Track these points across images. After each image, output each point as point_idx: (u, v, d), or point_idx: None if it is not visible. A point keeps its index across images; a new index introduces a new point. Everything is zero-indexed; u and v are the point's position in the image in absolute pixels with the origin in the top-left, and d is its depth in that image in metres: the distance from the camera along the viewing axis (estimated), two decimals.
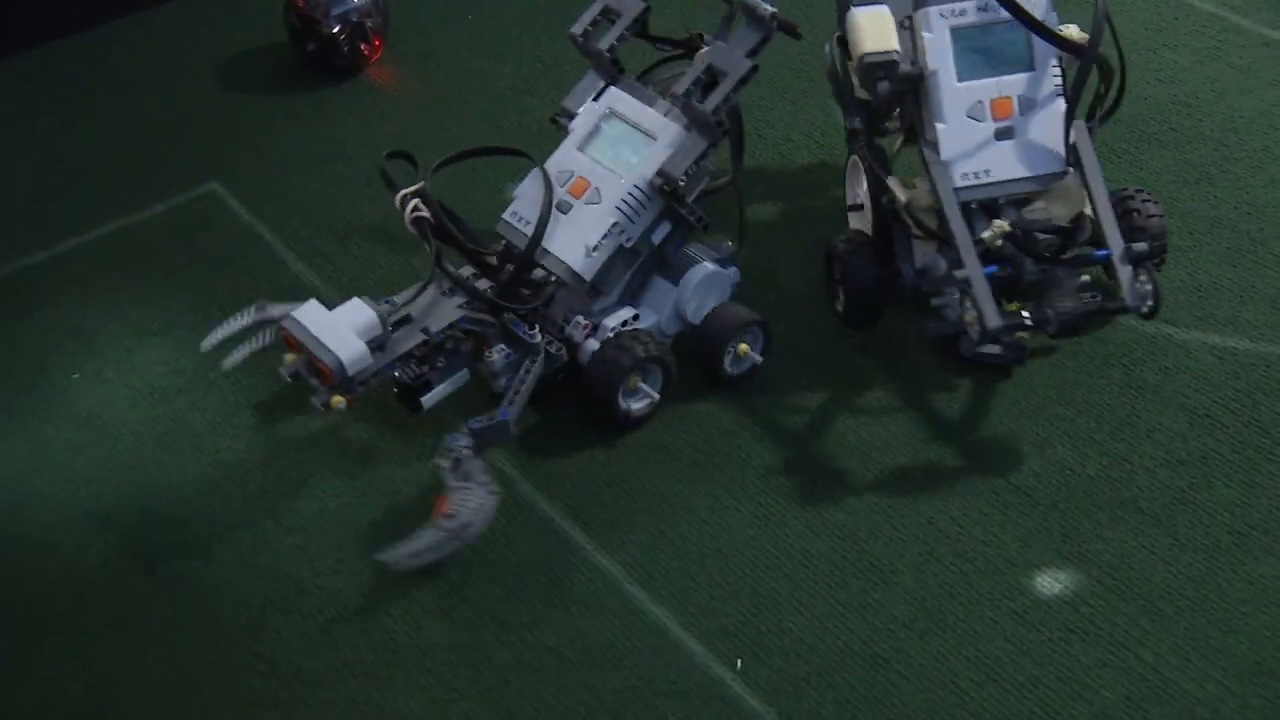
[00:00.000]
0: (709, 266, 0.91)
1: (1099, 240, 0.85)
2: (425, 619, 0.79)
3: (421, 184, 0.84)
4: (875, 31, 0.86)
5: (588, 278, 0.88)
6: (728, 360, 0.91)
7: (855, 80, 0.90)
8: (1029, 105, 0.86)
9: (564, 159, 0.90)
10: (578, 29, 0.91)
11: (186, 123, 1.11)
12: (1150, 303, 0.84)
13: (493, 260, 0.88)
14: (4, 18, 1.12)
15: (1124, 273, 0.84)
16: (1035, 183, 0.87)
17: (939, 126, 0.86)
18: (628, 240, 0.88)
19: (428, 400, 0.86)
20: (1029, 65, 0.87)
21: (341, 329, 0.82)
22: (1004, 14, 0.85)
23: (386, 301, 0.85)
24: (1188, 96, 1.05)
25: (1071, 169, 0.87)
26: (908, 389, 0.90)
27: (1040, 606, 0.78)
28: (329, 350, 0.81)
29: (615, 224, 0.87)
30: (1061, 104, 0.87)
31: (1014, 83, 0.86)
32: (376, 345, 0.83)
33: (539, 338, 0.87)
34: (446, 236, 0.85)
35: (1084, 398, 0.89)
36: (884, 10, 0.87)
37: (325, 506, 0.85)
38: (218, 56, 1.16)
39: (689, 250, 0.92)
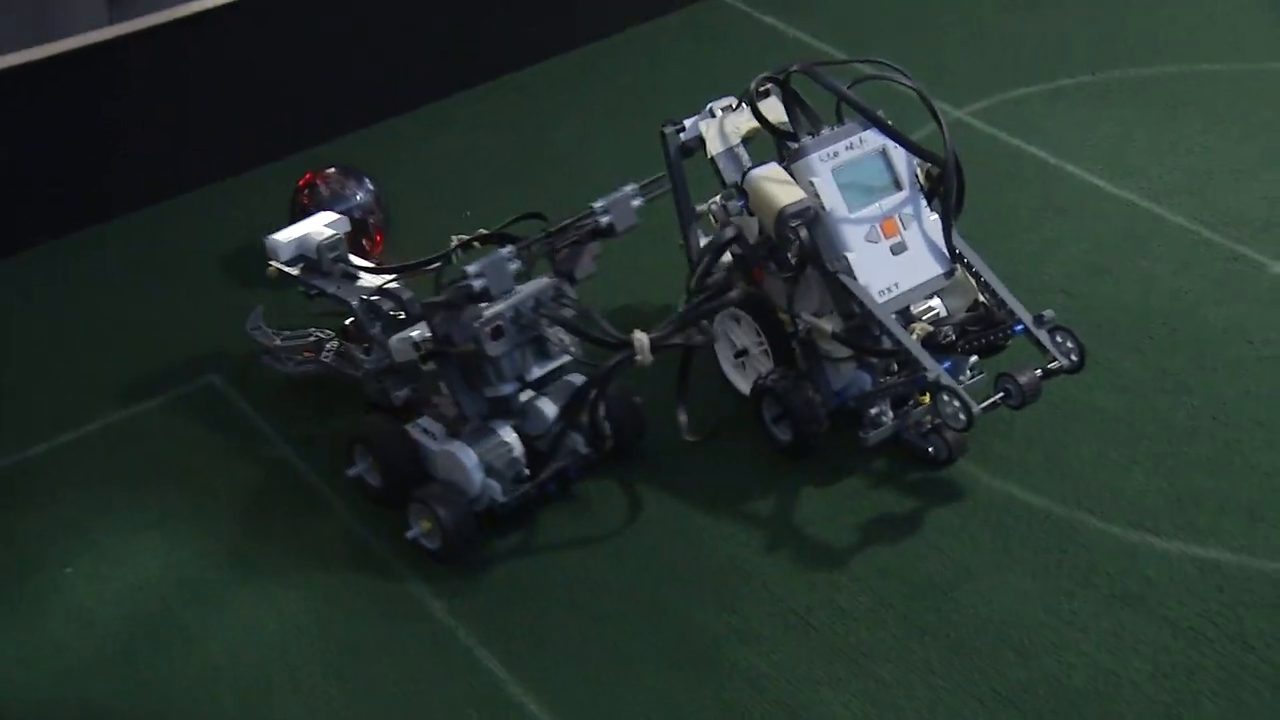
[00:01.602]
0: None
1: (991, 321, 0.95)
2: None
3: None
4: (783, 186, 0.93)
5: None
6: None
7: (761, 234, 0.95)
8: (909, 219, 0.96)
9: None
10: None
11: (189, 316, 1.13)
12: (1075, 356, 0.94)
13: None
14: (10, 213, 1.15)
15: (1044, 337, 0.94)
16: (936, 282, 0.97)
17: (850, 255, 0.93)
18: None
19: None
20: (897, 186, 0.97)
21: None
22: (865, 148, 0.95)
23: None
24: (1164, 307, 1.09)
25: (957, 265, 0.97)
26: (881, 561, 0.91)
27: None
28: None
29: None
30: (929, 212, 0.96)
31: (891, 203, 0.96)
32: None
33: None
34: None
35: (1068, 607, 0.90)
36: (777, 166, 0.95)
37: (317, 707, 0.85)
38: (223, 249, 1.18)
39: None
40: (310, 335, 1.03)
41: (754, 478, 0.99)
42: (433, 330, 0.93)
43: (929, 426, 0.97)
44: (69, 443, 1.02)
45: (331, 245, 1.04)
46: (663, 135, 1.00)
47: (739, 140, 1.01)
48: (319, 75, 1.28)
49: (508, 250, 0.94)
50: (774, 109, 1.00)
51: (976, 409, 0.90)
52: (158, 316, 1.12)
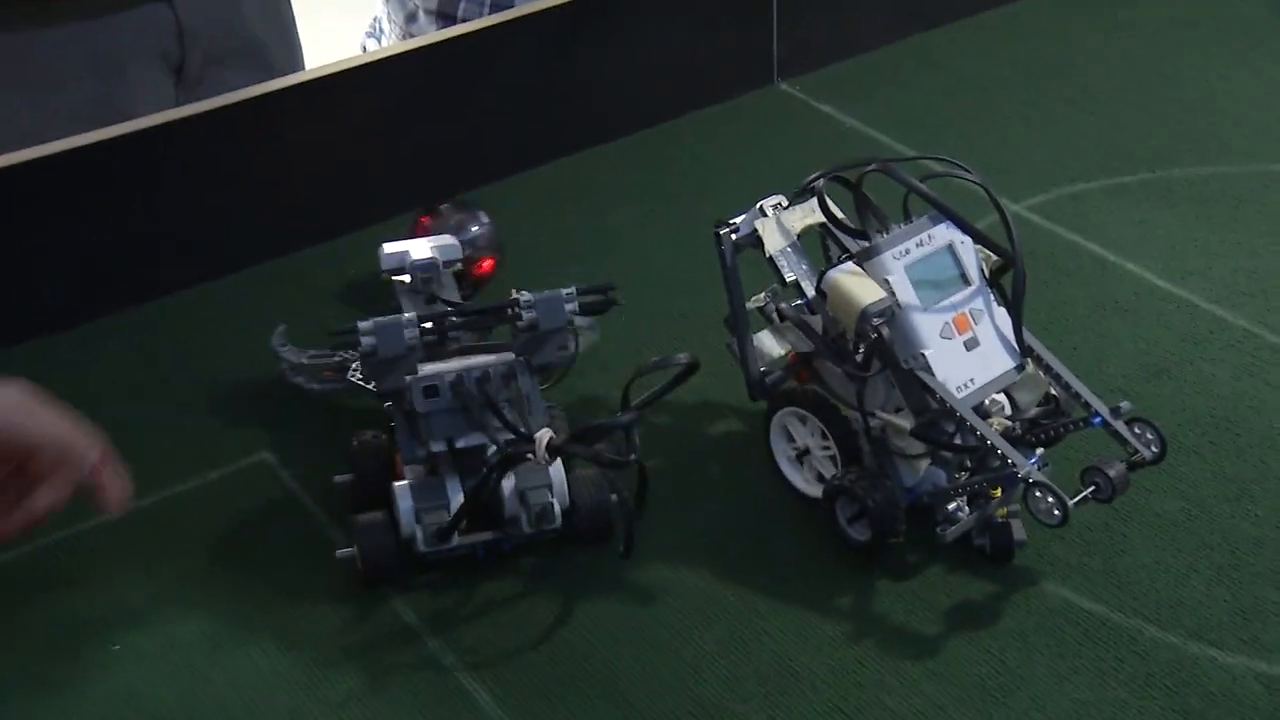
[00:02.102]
0: None
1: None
2: None
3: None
4: (864, 284, 0.92)
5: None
6: None
7: (826, 333, 0.95)
8: (979, 314, 0.95)
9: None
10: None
11: (241, 392, 1.13)
12: (1156, 448, 0.93)
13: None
14: (72, 289, 1.16)
15: (1122, 428, 0.93)
16: (1008, 377, 0.95)
17: (927, 352, 0.92)
18: None
19: None
20: (966, 281, 0.95)
21: None
22: (934, 244, 0.94)
23: None
24: (1226, 411, 1.07)
25: (1027, 359, 0.95)
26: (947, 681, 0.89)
27: None
28: None
29: None
30: (997, 306, 0.95)
31: (962, 299, 0.94)
32: None
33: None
34: None
35: (1124, 719, 0.87)
36: (854, 265, 0.93)
37: None
38: (275, 327, 1.19)
39: None
40: (335, 356, 1.04)
41: (801, 572, 0.97)
42: (364, 374, 0.95)
43: (992, 523, 0.95)
44: (119, 519, 1.02)
45: (424, 266, 1.05)
46: (718, 237, 0.98)
47: (796, 237, 1.01)
48: (376, 155, 1.29)
49: (407, 316, 0.94)
50: (811, 210, 0.99)
51: (1071, 504, 0.89)
52: (210, 393, 1.13)
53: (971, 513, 0.94)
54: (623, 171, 1.36)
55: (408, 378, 0.93)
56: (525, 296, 0.96)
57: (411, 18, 1.63)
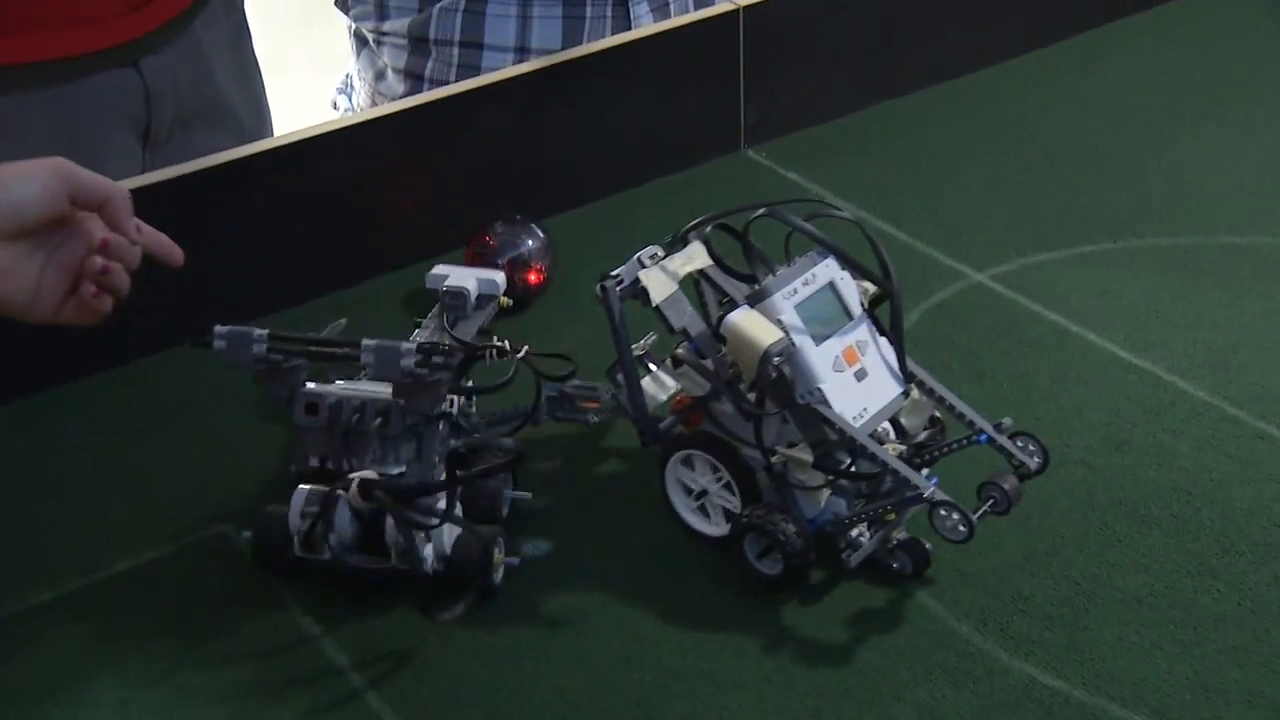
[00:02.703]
0: None
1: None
2: None
3: None
4: (762, 326, 0.95)
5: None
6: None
7: (749, 375, 0.96)
8: (865, 346, 0.99)
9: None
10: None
11: (199, 462, 1.12)
12: (1039, 459, 0.99)
13: None
14: (23, 357, 1.15)
15: (1007, 443, 0.99)
16: (896, 403, 1.00)
17: (823, 386, 0.95)
18: None
19: None
20: (849, 315, 0.99)
21: None
22: (818, 282, 0.98)
23: None
24: (1187, 483, 1.08)
25: (911, 385, 1.00)
26: None
27: None
28: None
29: None
30: (879, 337, 1.00)
31: (847, 333, 0.98)
32: None
33: None
34: None
35: None
36: (749, 309, 0.96)
37: None
38: (235, 395, 1.18)
39: None
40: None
41: (717, 612, 0.97)
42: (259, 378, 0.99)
43: (895, 543, 0.99)
44: (76, 591, 1.01)
45: (453, 294, 1.13)
46: (604, 290, 1.00)
47: (678, 285, 1.02)
48: (343, 220, 1.29)
49: (258, 332, 0.98)
50: (699, 254, 1.02)
51: (975, 518, 0.94)
52: (168, 463, 1.12)
53: (872, 537, 0.98)
54: (591, 236, 1.37)
55: (300, 389, 0.98)
56: (366, 341, 0.97)
57: (380, 75, 1.64)
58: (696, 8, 1.60)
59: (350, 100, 1.73)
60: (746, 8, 1.44)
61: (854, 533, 0.98)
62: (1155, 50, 1.66)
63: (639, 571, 1.02)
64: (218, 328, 0.99)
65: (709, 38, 1.44)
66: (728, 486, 1.01)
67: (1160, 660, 0.94)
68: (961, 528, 0.94)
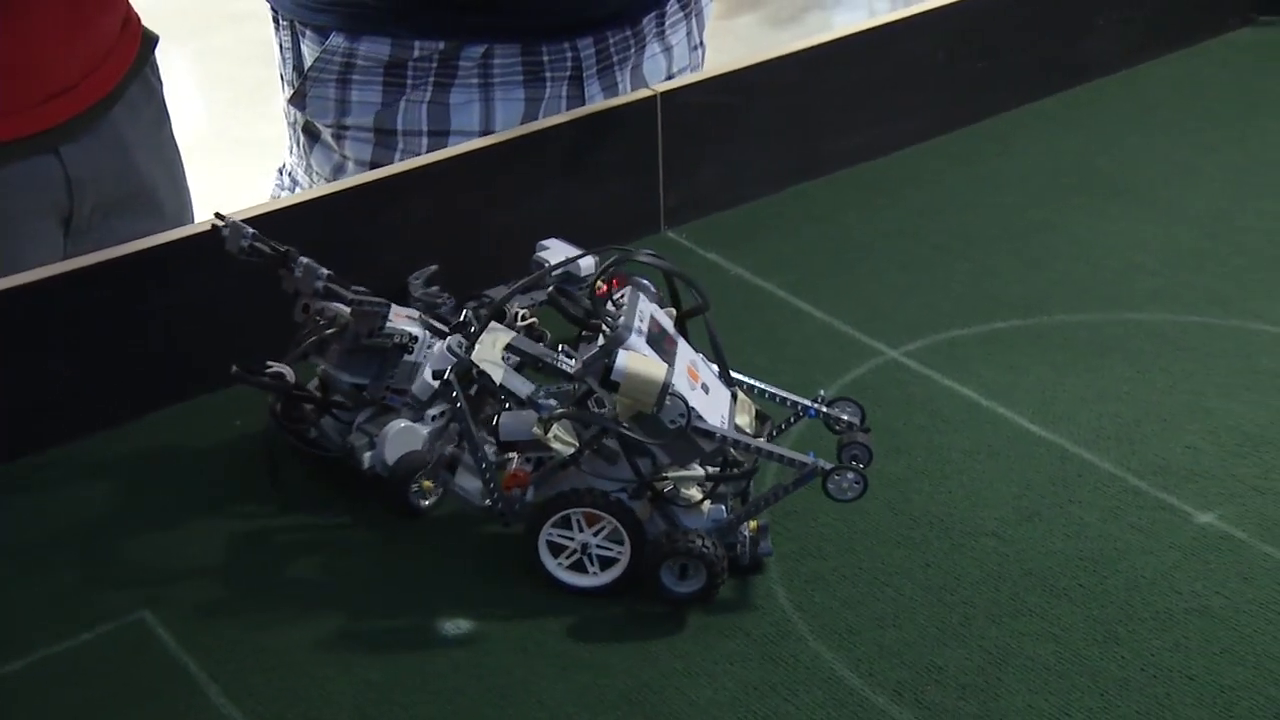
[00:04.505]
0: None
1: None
2: None
3: None
4: (647, 363, 1.00)
5: None
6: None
7: (649, 409, 1.00)
8: (696, 363, 1.08)
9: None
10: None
11: (119, 546, 1.12)
12: (858, 417, 1.12)
13: None
14: None
15: (830, 410, 1.12)
16: (730, 407, 1.08)
17: (694, 405, 1.01)
18: None
19: None
20: (673, 340, 1.07)
21: None
22: (647, 315, 1.05)
23: None
24: (1094, 553, 1.11)
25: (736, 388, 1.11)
26: None
27: None
28: None
29: None
30: (695, 351, 1.09)
31: (682, 355, 1.06)
32: None
33: None
34: None
35: None
36: (634, 353, 1.01)
37: None
38: (158, 478, 1.18)
39: None
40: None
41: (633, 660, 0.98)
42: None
43: (751, 535, 1.06)
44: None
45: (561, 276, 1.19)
46: (446, 384, 1.04)
47: (501, 359, 1.06)
48: (265, 305, 1.30)
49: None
50: (501, 332, 1.09)
51: (862, 471, 1.04)
52: (84, 549, 1.11)
53: (746, 533, 1.06)
54: None
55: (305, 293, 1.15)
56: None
57: (339, 169, 1.64)
58: (637, 86, 1.65)
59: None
60: (664, 94, 1.48)
61: (741, 530, 1.05)
62: (1064, 134, 1.72)
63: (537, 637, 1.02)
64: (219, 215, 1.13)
65: (629, 123, 1.48)
66: (611, 534, 1.03)
67: None
68: (856, 484, 1.04)
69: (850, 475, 1.04)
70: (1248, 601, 1.06)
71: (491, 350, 1.07)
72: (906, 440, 1.23)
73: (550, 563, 1.05)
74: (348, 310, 1.13)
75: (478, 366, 1.04)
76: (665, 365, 1.01)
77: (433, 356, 1.14)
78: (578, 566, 1.05)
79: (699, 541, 1.02)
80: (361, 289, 1.16)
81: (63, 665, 1.02)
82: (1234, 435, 1.22)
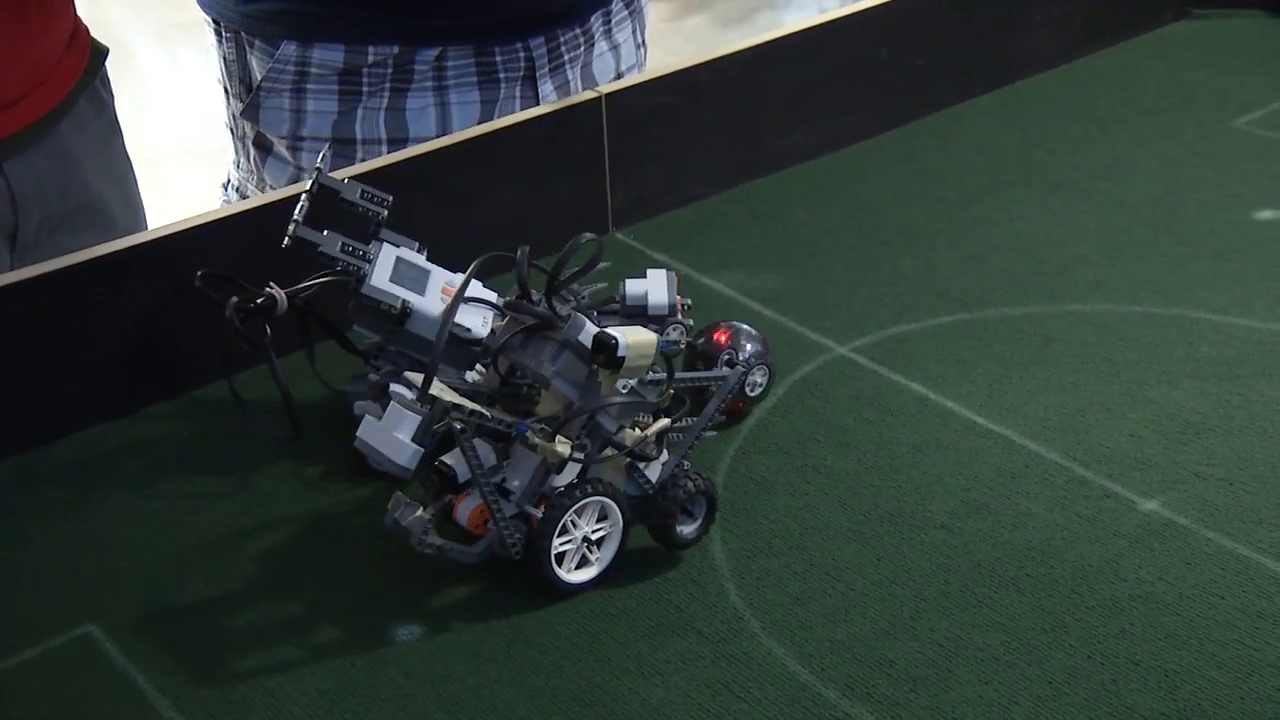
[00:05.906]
0: None
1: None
2: None
3: None
4: (633, 331, 1.02)
5: None
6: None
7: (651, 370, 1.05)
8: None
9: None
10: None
11: (65, 560, 1.11)
12: (686, 335, 1.20)
13: None
14: None
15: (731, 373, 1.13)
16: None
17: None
18: None
19: None
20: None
21: None
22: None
23: None
24: (1041, 544, 1.12)
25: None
26: None
27: None
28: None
29: None
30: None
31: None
32: None
33: None
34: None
35: None
36: (621, 326, 1.04)
37: None
38: (108, 490, 1.17)
39: None
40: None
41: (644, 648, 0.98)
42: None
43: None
44: None
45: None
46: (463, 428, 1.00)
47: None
48: (219, 314, 1.29)
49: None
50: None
51: (767, 364, 1.20)
52: (31, 560, 1.10)
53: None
54: None
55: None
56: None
57: (295, 181, 1.63)
58: (588, 85, 1.65)
59: None
60: (609, 95, 1.49)
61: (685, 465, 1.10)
62: (1003, 129, 1.74)
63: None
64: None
65: (574, 124, 1.48)
66: (599, 515, 1.04)
67: (1018, 715, 0.98)
68: (761, 379, 1.19)
69: (758, 375, 1.18)
70: (1190, 587, 1.07)
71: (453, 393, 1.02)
72: (855, 436, 1.24)
73: (564, 575, 1.04)
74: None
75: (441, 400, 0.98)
76: (640, 328, 1.05)
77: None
78: (580, 561, 1.05)
79: (686, 479, 1.07)
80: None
81: (5, 683, 1.00)
82: (1176, 423, 1.24)
